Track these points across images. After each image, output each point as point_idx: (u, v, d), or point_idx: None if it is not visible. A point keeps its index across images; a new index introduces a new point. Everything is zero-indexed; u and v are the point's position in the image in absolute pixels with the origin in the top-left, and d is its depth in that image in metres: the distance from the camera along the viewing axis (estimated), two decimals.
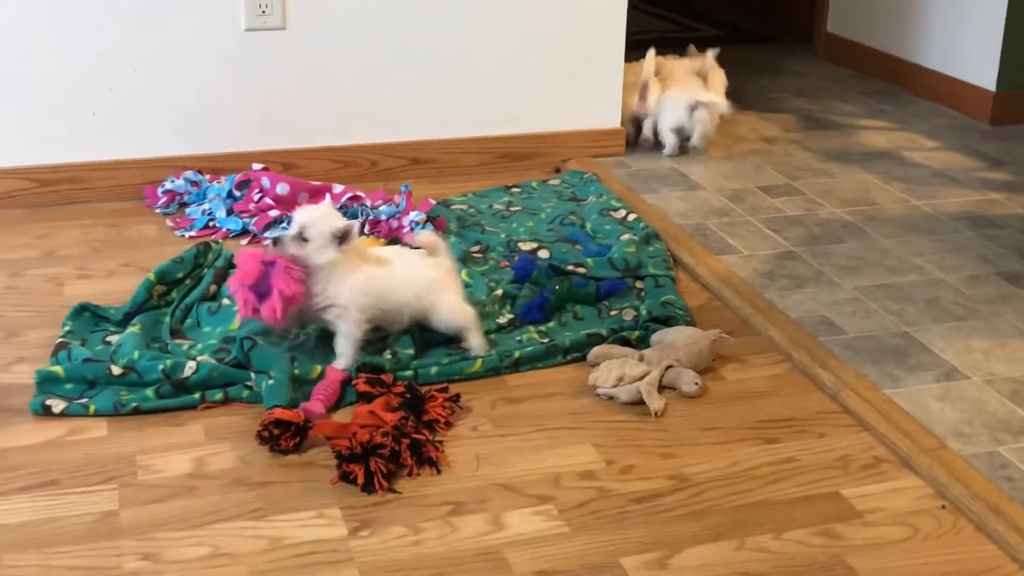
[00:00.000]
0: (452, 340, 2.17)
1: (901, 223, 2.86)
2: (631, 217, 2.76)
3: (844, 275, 2.54)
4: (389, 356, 2.11)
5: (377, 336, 2.14)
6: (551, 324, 2.27)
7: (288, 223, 2.68)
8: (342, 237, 2.03)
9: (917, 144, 3.49)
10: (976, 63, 3.74)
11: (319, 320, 2.10)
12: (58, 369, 2.03)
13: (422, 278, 2.12)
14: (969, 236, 2.77)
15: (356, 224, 2.06)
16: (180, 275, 2.38)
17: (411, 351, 2.12)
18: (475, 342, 2.14)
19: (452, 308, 2.14)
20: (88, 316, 2.26)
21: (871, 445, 1.93)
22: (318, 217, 2.05)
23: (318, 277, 2.05)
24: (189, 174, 2.93)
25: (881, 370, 2.13)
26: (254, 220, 2.74)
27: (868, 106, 3.89)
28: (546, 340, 2.20)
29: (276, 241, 2.03)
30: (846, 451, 1.92)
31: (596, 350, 2.15)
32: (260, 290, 2.00)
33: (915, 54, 4.02)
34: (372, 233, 2.67)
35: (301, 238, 2.03)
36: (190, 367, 2.02)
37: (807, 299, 2.42)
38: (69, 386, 2.02)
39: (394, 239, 2.64)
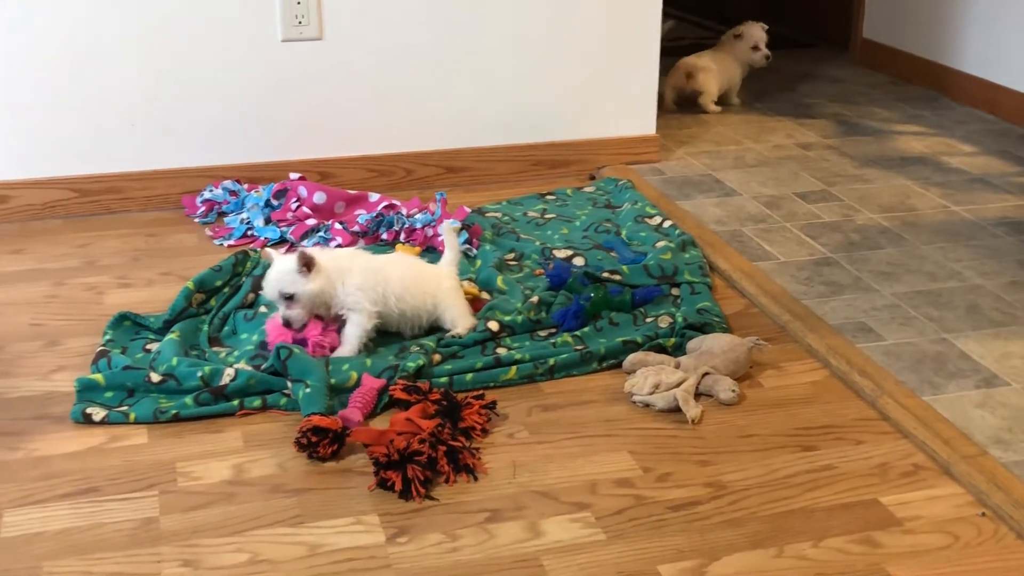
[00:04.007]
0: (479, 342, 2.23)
1: (940, 229, 2.83)
2: (666, 224, 2.76)
3: (882, 281, 2.53)
4: (416, 349, 2.14)
5: (397, 343, 2.21)
6: (586, 331, 2.27)
7: (325, 231, 2.72)
8: (305, 263, 2.11)
9: (955, 149, 3.47)
10: (1014, 67, 3.70)
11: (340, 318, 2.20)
12: (98, 377, 2.06)
13: (422, 270, 2.27)
14: (1009, 242, 2.75)
15: (299, 247, 2.18)
16: (218, 283, 2.40)
17: (431, 343, 2.17)
18: (460, 327, 2.23)
19: (455, 303, 2.25)
20: (128, 324, 2.29)
21: (910, 452, 1.92)
22: (277, 273, 2.13)
23: (325, 295, 2.15)
24: (227, 183, 2.96)
25: (920, 377, 2.12)
26: (292, 229, 2.76)
27: (905, 111, 3.86)
28: (581, 347, 2.20)
29: (287, 323, 2.14)
30: (885, 458, 1.90)
31: (632, 357, 2.15)
32: None
33: (952, 59, 4.00)
34: (408, 241, 2.68)
35: (288, 298, 2.13)
36: (228, 374, 2.04)
37: (845, 305, 2.41)
38: (109, 394, 2.04)
39: (429, 247, 2.65)
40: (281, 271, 2.12)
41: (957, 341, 2.25)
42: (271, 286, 2.13)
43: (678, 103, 3.84)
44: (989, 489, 1.77)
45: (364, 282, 2.16)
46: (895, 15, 4.28)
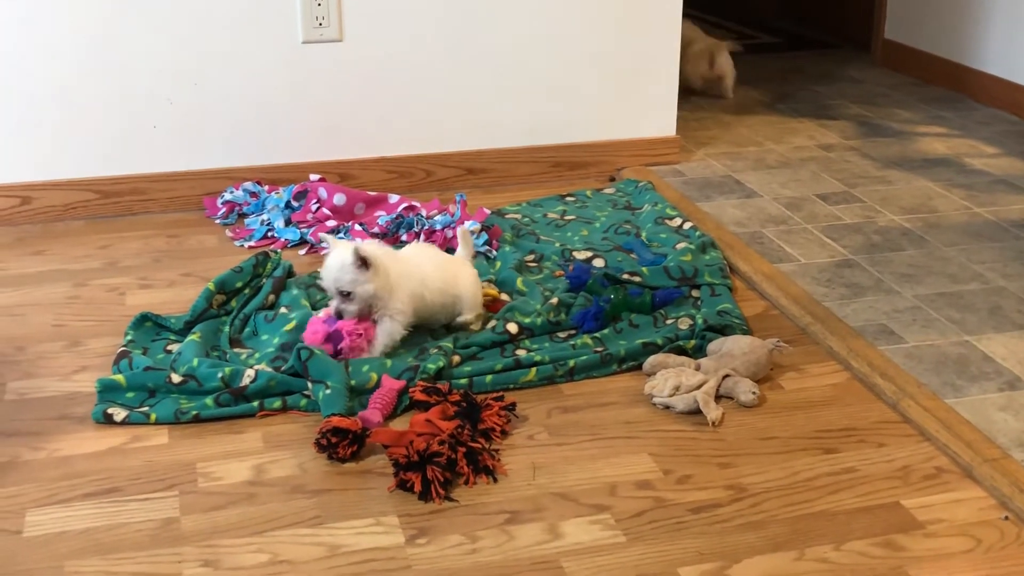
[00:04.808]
0: (497, 343, 2.22)
1: (962, 230, 2.82)
2: (686, 225, 2.75)
3: (904, 283, 2.51)
4: (435, 351, 2.14)
5: (417, 345, 2.20)
6: (606, 333, 2.27)
7: (345, 233, 2.73)
8: (362, 261, 2.08)
9: (977, 150, 3.45)
10: None
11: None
12: (120, 378, 2.06)
13: (447, 257, 2.28)
14: None
15: (359, 242, 2.14)
16: (239, 284, 2.41)
17: (450, 344, 2.17)
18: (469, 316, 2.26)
19: (474, 292, 2.27)
20: (149, 325, 2.30)
21: (932, 455, 1.91)
22: (336, 267, 2.11)
23: (378, 297, 2.13)
24: (248, 185, 2.97)
25: (942, 379, 2.10)
26: (312, 230, 2.76)
27: (927, 112, 3.85)
28: (601, 349, 2.20)
29: (339, 315, 2.13)
30: (907, 461, 1.89)
31: (652, 359, 2.15)
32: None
33: (975, 60, 3.97)
34: (428, 243, 2.68)
35: (344, 295, 2.11)
36: (248, 376, 2.05)
37: (866, 308, 2.40)
38: (130, 394, 2.05)
39: (449, 249, 2.65)
40: (341, 265, 2.10)
41: (980, 343, 2.24)
42: (329, 278, 2.12)
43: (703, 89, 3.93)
44: (1012, 492, 1.76)
45: (415, 289, 2.17)
46: (917, 16, 4.26)
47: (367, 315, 2.15)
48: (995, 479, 1.80)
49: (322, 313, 2.19)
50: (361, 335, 2.13)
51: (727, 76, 3.89)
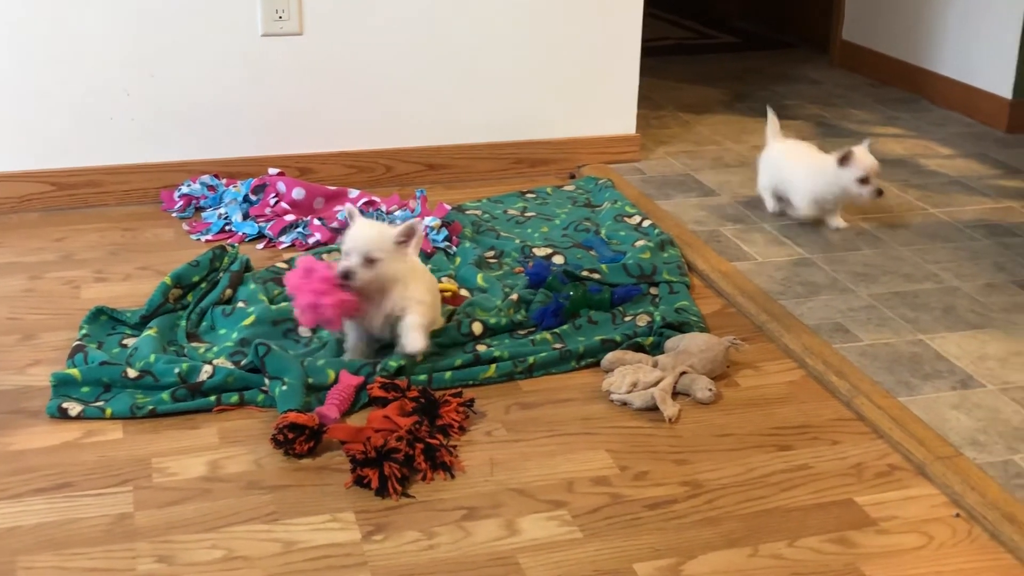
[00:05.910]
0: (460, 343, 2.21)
1: (917, 231, 2.85)
2: (646, 223, 2.77)
3: (859, 282, 2.54)
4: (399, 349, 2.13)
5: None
6: (565, 329, 2.27)
7: (304, 227, 2.71)
8: (406, 238, 2.04)
9: (933, 152, 3.48)
10: (992, 71, 3.73)
11: (387, 328, 2.10)
12: (75, 372, 2.04)
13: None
14: (985, 244, 2.76)
15: (416, 221, 2.09)
16: (196, 279, 2.39)
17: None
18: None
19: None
20: (105, 319, 2.28)
21: (885, 453, 1.93)
22: (376, 233, 2.03)
23: (392, 287, 2.05)
24: (205, 178, 2.94)
25: (896, 378, 2.13)
26: (270, 224, 2.75)
27: (883, 114, 3.88)
28: (560, 345, 2.20)
29: (347, 275, 2.00)
30: (860, 459, 1.91)
31: (610, 356, 2.15)
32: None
33: (931, 62, 4.02)
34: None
35: (369, 262, 2.01)
36: (206, 371, 2.03)
37: (822, 306, 2.42)
38: (85, 389, 2.03)
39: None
40: (382, 233, 2.03)
41: (933, 342, 2.27)
42: (362, 239, 2.01)
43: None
44: (963, 490, 1.78)
45: (430, 285, 2.13)
46: (874, 17, 4.30)
47: (369, 294, 2.04)
48: (947, 477, 1.82)
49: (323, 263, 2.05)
50: (358, 304, 2.03)
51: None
